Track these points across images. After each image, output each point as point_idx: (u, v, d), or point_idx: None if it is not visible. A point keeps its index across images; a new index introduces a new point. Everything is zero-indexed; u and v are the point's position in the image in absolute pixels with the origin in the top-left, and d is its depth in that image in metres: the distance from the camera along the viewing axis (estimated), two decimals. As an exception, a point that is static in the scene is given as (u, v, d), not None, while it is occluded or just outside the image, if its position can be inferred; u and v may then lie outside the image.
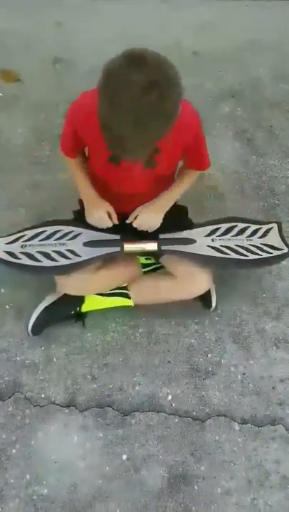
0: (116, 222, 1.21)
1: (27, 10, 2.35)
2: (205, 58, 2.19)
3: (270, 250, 1.29)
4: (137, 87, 0.78)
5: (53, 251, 1.23)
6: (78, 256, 1.21)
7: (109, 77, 0.81)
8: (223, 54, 2.18)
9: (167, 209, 1.23)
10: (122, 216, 1.26)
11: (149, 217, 1.20)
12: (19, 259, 1.22)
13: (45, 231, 1.29)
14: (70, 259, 1.21)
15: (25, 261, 1.21)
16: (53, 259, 1.21)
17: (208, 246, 1.26)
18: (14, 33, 2.24)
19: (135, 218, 1.21)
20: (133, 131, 0.82)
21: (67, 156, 1.24)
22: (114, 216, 1.21)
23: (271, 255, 1.28)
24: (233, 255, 1.24)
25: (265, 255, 1.27)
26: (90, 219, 1.22)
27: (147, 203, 1.22)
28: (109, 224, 1.20)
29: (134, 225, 1.21)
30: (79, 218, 1.34)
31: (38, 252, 1.23)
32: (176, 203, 1.35)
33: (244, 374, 1.30)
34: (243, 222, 1.36)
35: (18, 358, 1.30)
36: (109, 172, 1.15)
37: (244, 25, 2.35)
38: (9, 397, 1.23)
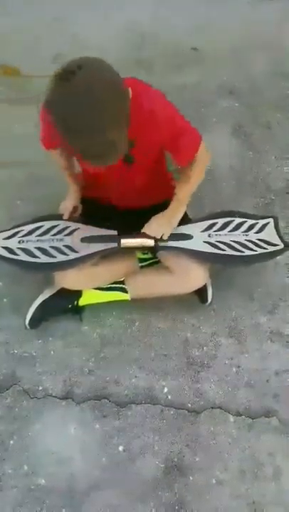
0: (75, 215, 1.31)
1: (26, 6, 2.34)
2: (204, 55, 2.19)
3: (266, 246, 1.30)
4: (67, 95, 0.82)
5: (51, 247, 1.23)
6: (75, 252, 1.22)
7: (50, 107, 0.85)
8: (222, 51, 2.19)
9: (179, 215, 1.24)
10: (121, 211, 1.28)
11: (160, 225, 1.21)
12: (17, 255, 1.23)
13: (42, 226, 1.29)
14: (68, 255, 1.22)
15: (24, 257, 1.22)
16: (50, 256, 1.22)
17: (205, 242, 1.27)
18: (15, 30, 2.23)
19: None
20: (91, 135, 0.83)
21: (49, 149, 1.23)
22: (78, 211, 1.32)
23: (267, 251, 1.29)
24: (229, 251, 1.25)
25: (260, 251, 1.28)
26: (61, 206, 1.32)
27: (159, 214, 1.22)
28: (65, 217, 1.30)
29: (142, 230, 1.22)
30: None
31: (35, 247, 1.24)
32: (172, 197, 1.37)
33: (239, 367, 1.32)
34: (239, 216, 1.37)
35: (15, 351, 1.32)
36: (99, 174, 1.16)
37: (243, 23, 2.35)
38: (7, 390, 1.25)
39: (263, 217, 1.39)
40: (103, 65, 0.86)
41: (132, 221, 1.21)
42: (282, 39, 2.30)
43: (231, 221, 1.34)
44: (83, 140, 0.85)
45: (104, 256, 1.28)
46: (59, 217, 1.32)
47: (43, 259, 1.21)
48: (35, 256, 1.22)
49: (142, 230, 1.22)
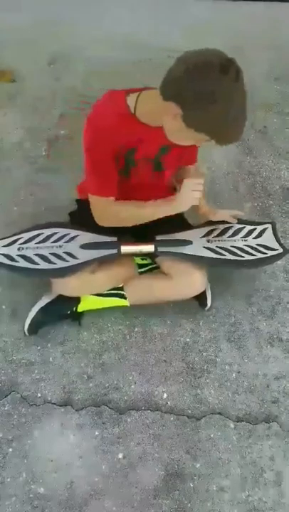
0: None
1: (24, 7, 2.34)
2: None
3: (265, 251, 1.31)
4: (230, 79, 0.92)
5: (50, 253, 1.23)
6: (75, 258, 1.22)
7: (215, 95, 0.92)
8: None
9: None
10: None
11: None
12: (17, 261, 1.23)
13: (42, 233, 1.29)
14: (68, 261, 1.21)
15: (23, 264, 1.22)
16: (50, 262, 1.21)
17: (204, 247, 1.27)
18: (10, 32, 2.24)
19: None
20: (244, 113, 0.98)
21: (112, 196, 1.13)
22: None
23: (266, 255, 1.30)
24: (229, 256, 1.26)
25: (260, 256, 1.29)
26: (191, 194, 1.13)
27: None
28: (199, 194, 1.14)
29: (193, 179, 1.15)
30: (75, 219, 1.35)
31: (35, 254, 1.24)
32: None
33: (239, 372, 1.32)
34: (238, 222, 1.38)
35: (14, 358, 1.31)
36: (121, 184, 1.16)
37: (238, 25, 2.37)
38: (6, 397, 1.24)
39: (261, 223, 1.40)
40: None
41: (142, 229, 1.22)
42: (278, 43, 2.32)
43: (230, 227, 1.35)
44: (240, 126, 0.99)
45: (103, 262, 1.27)
46: (58, 224, 1.32)
47: (43, 265, 1.21)
48: (34, 263, 1.22)
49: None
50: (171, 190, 1.38)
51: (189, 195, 1.13)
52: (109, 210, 1.15)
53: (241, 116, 0.98)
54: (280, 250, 1.32)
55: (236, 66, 0.92)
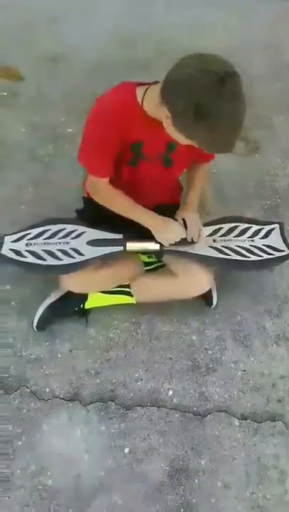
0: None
1: (25, 6, 2.34)
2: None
3: (272, 252, 1.29)
4: (228, 95, 0.90)
5: (58, 249, 1.25)
6: (82, 255, 1.23)
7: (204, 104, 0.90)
8: (220, 51, 2.18)
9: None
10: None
11: (194, 216, 1.25)
12: (25, 257, 1.25)
13: (50, 229, 1.31)
14: (74, 258, 1.23)
15: (31, 259, 1.24)
16: (57, 258, 1.23)
17: (210, 246, 1.27)
18: (13, 30, 2.24)
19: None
20: (236, 128, 0.95)
21: (101, 177, 1.15)
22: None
23: (273, 257, 1.29)
24: (235, 256, 1.26)
25: (266, 257, 1.28)
26: (170, 234, 1.19)
27: (179, 210, 1.26)
28: (184, 234, 1.20)
29: (190, 232, 1.22)
30: (82, 217, 1.37)
31: (43, 250, 1.26)
32: (178, 202, 1.38)
33: (244, 371, 1.33)
34: (245, 222, 1.37)
35: (23, 353, 1.33)
36: (124, 173, 1.18)
37: (240, 24, 2.34)
38: (15, 391, 1.27)
39: (268, 223, 1.39)
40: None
41: (139, 226, 1.22)
42: (282, 39, 2.29)
43: (237, 226, 1.35)
44: (230, 140, 0.95)
45: (109, 259, 1.29)
46: (66, 220, 1.34)
47: (50, 261, 1.23)
48: (42, 258, 1.24)
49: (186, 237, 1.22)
50: (179, 186, 1.39)
51: (164, 237, 1.19)
52: (101, 190, 1.19)
53: (232, 131, 0.94)
54: (287, 252, 1.30)
55: (234, 78, 0.89)
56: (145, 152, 1.14)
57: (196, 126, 0.93)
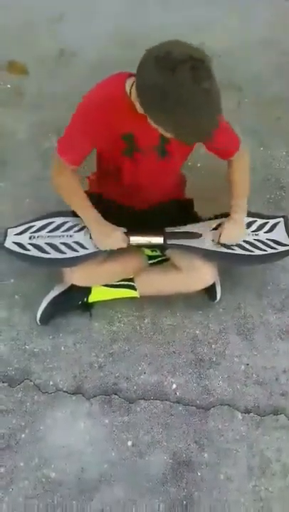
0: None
1: (25, 6, 2.33)
2: (211, 52, 2.16)
3: (276, 246, 1.28)
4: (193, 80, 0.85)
5: (61, 243, 1.24)
6: (85, 248, 1.23)
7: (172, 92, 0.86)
8: (228, 49, 2.16)
9: (244, 217, 1.25)
10: (131, 209, 1.28)
11: (234, 229, 1.23)
12: (28, 250, 1.24)
13: (53, 222, 1.30)
14: (77, 251, 1.23)
15: (34, 252, 1.24)
16: (60, 251, 1.23)
17: (214, 241, 1.26)
18: (13, 30, 2.23)
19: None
20: (210, 117, 0.91)
21: (70, 164, 1.15)
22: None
23: (277, 251, 1.28)
24: (239, 251, 1.25)
25: (270, 251, 1.27)
26: (107, 241, 1.18)
27: (226, 220, 1.23)
28: (125, 244, 1.19)
29: (222, 241, 1.22)
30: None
31: (46, 243, 1.25)
32: (182, 196, 1.37)
33: (247, 364, 1.33)
34: (249, 215, 1.36)
35: (27, 347, 1.34)
36: (123, 165, 1.16)
37: (249, 21, 2.31)
38: (19, 384, 1.27)
39: (273, 217, 1.37)
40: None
41: (143, 220, 1.22)
42: (283, 39, 2.26)
43: (241, 220, 1.33)
44: (213, 121, 0.92)
45: (113, 253, 1.28)
46: (69, 213, 1.33)
47: (53, 254, 1.23)
48: (45, 251, 1.23)
49: (221, 241, 1.22)
50: (182, 180, 1.38)
51: (102, 243, 1.18)
52: (65, 177, 1.17)
53: (203, 118, 0.90)
54: None
55: (197, 64, 0.86)
56: (140, 145, 1.12)
57: (166, 119, 0.91)
